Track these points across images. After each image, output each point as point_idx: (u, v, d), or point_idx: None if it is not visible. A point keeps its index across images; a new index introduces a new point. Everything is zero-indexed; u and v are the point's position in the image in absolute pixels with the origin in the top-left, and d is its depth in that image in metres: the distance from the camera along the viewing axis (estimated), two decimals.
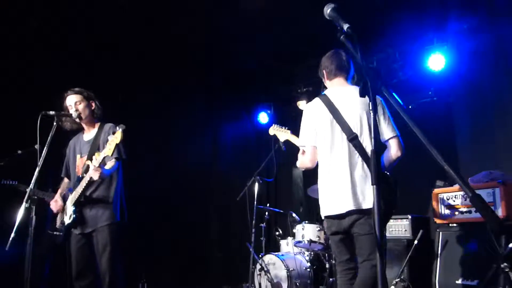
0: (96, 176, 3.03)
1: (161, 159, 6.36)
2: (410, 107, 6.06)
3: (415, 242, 3.56)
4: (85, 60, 5.42)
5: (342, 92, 2.82)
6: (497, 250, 2.89)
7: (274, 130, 3.73)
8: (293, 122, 7.47)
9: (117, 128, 2.98)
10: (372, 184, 1.61)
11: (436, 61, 5.40)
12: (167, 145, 6.57)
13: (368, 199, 2.56)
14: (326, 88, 3.04)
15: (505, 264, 2.79)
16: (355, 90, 2.83)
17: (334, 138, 2.75)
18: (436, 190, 3.59)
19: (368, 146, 2.62)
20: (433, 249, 3.42)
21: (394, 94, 1.58)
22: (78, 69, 5.22)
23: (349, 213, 2.61)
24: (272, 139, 3.94)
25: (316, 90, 6.68)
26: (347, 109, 2.74)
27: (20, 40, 4.96)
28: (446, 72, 5.41)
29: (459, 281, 3.17)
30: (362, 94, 1.61)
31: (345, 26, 1.78)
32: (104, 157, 3.01)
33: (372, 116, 1.63)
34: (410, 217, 3.89)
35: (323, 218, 2.82)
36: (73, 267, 3.27)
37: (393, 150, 2.72)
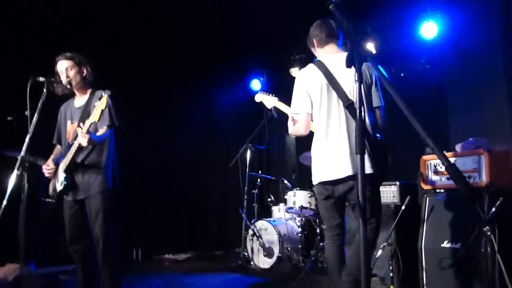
0: (84, 142, 3.01)
1: (157, 127, 6.38)
2: (402, 74, 6.08)
3: (403, 207, 3.64)
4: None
5: (336, 58, 2.78)
6: (479, 215, 2.97)
7: (260, 97, 3.74)
8: (285, 89, 7.48)
9: (103, 93, 2.98)
10: (356, 153, 1.64)
11: (429, 29, 5.39)
12: (163, 112, 6.58)
13: (366, 165, 2.55)
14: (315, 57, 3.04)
15: (487, 227, 2.88)
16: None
17: (331, 105, 2.74)
18: (424, 157, 3.64)
19: (363, 111, 2.63)
20: (419, 214, 3.50)
21: (379, 66, 1.60)
22: None
23: (346, 179, 2.63)
24: (264, 107, 3.95)
25: (309, 57, 6.63)
26: (342, 76, 2.72)
27: (20, 39, 4.96)
28: (439, 40, 5.40)
29: (444, 244, 3.26)
30: (348, 65, 1.63)
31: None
32: (91, 123, 3.02)
33: (357, 86, 1.64)
34: (398, 183, 3.95)
35: (315, 183, 2.82)
36: (67, 233, 3.31)
37: (377, 119, 2.80)
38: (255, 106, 4.61)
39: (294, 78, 6.96)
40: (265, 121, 5.34)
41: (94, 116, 2.98)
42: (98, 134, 3.18)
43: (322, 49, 2.94)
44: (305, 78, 2.85)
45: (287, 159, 7.23)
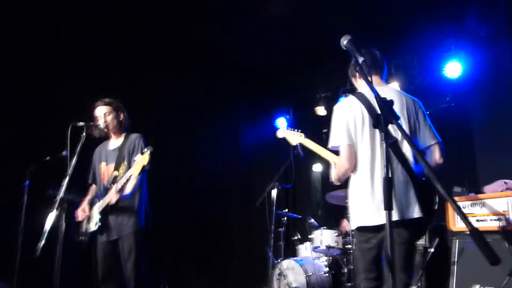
0: (113, 201, 3.24)
1: (182, 163, 6.51)
2: (428, 112, 6.10)
3: (432, 249, 3.62)
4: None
5: (380, 92, 2.48)
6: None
7: (283, 132, 3.51)
8: (310, 127, 7.59)
9: (146, 149, 3.12)
10: (385, 209, 1.66)
11: (453, 68, 5.48)
12: (189, 148, 6.73)
13: (409, 209, 2.38)
14: (353, 89, 2.87)
15: None
16: (393, 91, 2.69)
17: (374, 141, 2.52)
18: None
19: (407, 151, 2.47)
20: (449, 257, 3.47)
21: (401, 126, 1.66)
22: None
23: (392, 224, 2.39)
24: (290, 146, 3.89)
25: (334, 96, 6.77)
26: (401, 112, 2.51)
27: (46, 54, 5.15)
28: (463, 78, 5.48)
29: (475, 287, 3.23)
30: (375, 126, 1.68)
31: (360, 59, 1.87)
32: (129, 176, 3.19)
33: (385, 146, 1.68)
34: None
35: (354, 227, 2.55)
36: (99, 272, 3.41)
37: (436, 157, 2.60)
38: (280, 143, 4.71)
39: (319, 116, 7.09)
40: (292, 159, 5.38)
41: (135, 169, 3.12)
42: (126, 191, 3.32)
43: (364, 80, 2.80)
44: (345, 110, 2.61)
45: (313, 197, 7.24)
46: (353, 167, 2.57)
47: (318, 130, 7.54)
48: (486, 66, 5.25)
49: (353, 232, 2.70)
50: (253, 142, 7.66)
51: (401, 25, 5.45)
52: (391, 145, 2.42)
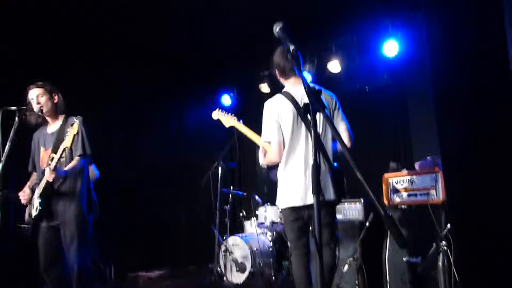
0: (50, 179, 3.15)
1: (125, 144, 6.41)
2: (367, 89, 6.34)
3: (367, 224, 3.84)
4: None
5: (302, 90, 2.87)
6: (437, 231, 3.19)
7: (218, 114, 3.64)
8: (256, 104, 7.63)
9: (75, 119, 3.09)
10: (313, 193, 1.78)
11: (391, 47, 5.66)
12: (132, 128, 6.61)
13: (327, 193, 2.80)
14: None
15: (444, 243, 3.10)
16: (316, 87, 2.91)
17: (299, 135, 2.88)
18: (386, 175, 3.85)
19: (327, 143, 2.89)
20: (383, 230, 3.70)
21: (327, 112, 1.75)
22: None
23: (312, 206, 2.75)
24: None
25: None
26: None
27: None
28: (400, 57, 5.69)
29: (406, 258, 3.48)
30: (304, 113, 1.78)
31: (291, 47, 1.92)
32: (64, 149, 3.12)
33: (313, 131, 1.79)
34: (362, 200, 4.16)
35: (282, 207, 2.95)
36: (42, 259, 3.34)
37: (345, 140, 2.96)
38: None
39: (264, 94, 7.15)
40: (235, 137, 5.42)
41: (66, 141, 3.10)
42: (68, 166, 3.25)
43: (286, 80, 3.06)
44: (274, 107, 2.94)
45: (258, 175, 7.37)
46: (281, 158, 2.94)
47: (263, 107, 7.64)
48: (422, 45, 5.48)
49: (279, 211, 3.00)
50: (198, 121, 7.63)
51: (341, 6, 5.56)
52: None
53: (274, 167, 5.21)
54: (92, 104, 5.32)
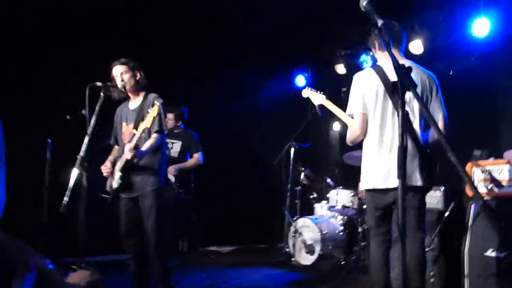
0: (129, 157, 3.30)
1: (201, 121, 6.57)
2: (451, 72, 5.95)
3: (447, 213, 3.63)
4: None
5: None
6: None
7: (308, 92, 3.63)
8: (330, 85, 7.48)
9: (156, 102, 3.19)
10: (398, 178, 1.69)
11: (481, 26, 5.22)
12: (210, 109, 6.77)
13: (413, 178, 2.65)
14: (372, 57, 3.01)
15: None
16: (410, 64, 2.76)
17: (386, 113, 2.74)
18: (470, 164, 3.59)
19: (415, 124, 2.73)
20: (464, 221, 3.47)
21: (418, 94, 1.63)
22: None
23: (395, 189, 2.62)
24: (309, 104, 3.92)
25: (355, 54, 6.61)
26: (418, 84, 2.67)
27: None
28: (491, 37, 5.23)
29: (488, 253, 3.24)
30: (392, 91, 1.68)
31: (379, 22, 1.82)
32: (144, 129, 3.25)
33: (400, 111, 1.69)
34: (443, 188, 3.91)
35: (365, 189, 2.84)
36: (122, 228, 3.56)
37: (440, 126, 2.80)
38: (300, 102, 4.68)
39: (339, 74, 6.98)
40: (310, 118, 5.36)
41: (146, 122, 3.22)
42: (144, 148, 3.39)
43: (383, 53, 2.89)
44: (361, 82, 2.84)
45: (331, 156, 7.25)
46: (364, 134, 2.83)
47: (338, 88, 7.44)
48: None
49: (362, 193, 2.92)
50: (273, 101, 7.63)
51: None
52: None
53: (349, 149, 5.12)
54: (169, 78, 5.50)
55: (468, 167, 3.60)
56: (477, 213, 3.44)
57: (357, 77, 2.88)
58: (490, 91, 5.45)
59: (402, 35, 2.88)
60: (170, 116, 5.13)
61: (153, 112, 3.18)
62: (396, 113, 2.68)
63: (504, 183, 3.31)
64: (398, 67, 1.66)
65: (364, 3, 1.93)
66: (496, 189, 3.35)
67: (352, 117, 2.89)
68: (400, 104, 1.68)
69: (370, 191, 2.80)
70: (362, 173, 2.85)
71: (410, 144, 2.63)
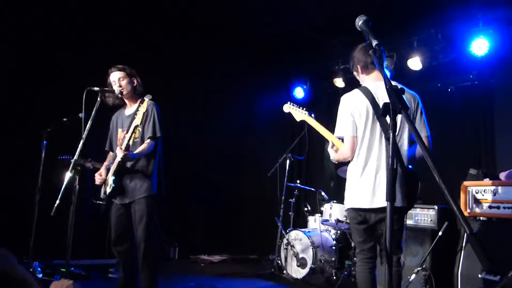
0: (120, 158, 3.26)
1: (196, 130, 6.55)
2: (449, 89, 5.96)
3: (440, 233, 3.60)
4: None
5: (383, 87, 2.65)
6: None
7: (289, 108, 3.50)
8: (328, 98, 7.48)
9: (145, 98, 3.19)
10: (387, 201, 1.66)
11: (480, 45, 5.24)
12: (202, 116, 6.75)
13: (398, 198, 2.64)
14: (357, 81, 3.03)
15: None
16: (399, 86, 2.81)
17: (374, 135, 2.76)
18: (465, 183, 3.58)
19: (403, 145, 2.76)
20: (457, 241, 3.45)
21: (409, 116, 1.62)
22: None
23: (380, 209, 2.66)
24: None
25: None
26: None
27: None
28: (489, 56, 5.25)
29: (482, 275, 3.22)
30: (383, 114, 1.66)
31: (374, 43, 1.81)
32: (135, 126, 3.23)
33: (391, 135, 1.67)
34: (436, 207, 3.90)
35: (347, 207, 2.85)
36: (112, 234, 3.50)
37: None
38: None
39: (338, 88, 6.99)
40: (306, 131, 5.35)
41: (137, 119, 3.20)
42: (137, 150, 3.36)
43: (367, 75, 2.92)
44: (350, 102, 2.83)
45: (326, 169, 7.23)
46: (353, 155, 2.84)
47: (336, 101, 7.45)
48: None
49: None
50: (270, 112, 7.61)
51: None
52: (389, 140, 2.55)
53: (343, 164, 5.11)
54: (163, 87, 5.48)
55: (463, 186, 3.59)
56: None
57: (345, 99, 2.88)
58: (487, 110, 5.46)
59: (383, 55, 2.86)
60: None
61: (142, 108, 3.17)
62: (383, 135, 2.70)
63: (499, 204, 3.30)
64: (391, 90, 1.64)
65: (360, 23, 1.92)
66: (490, 210, 3.34)
67: (341, 139, 2.90)
68: (390, 126, 1.65)
69: (354, 209, 2.80)
70: (347, 192, 2.85)
71: (398, 168, 2.63)
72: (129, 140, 3.31)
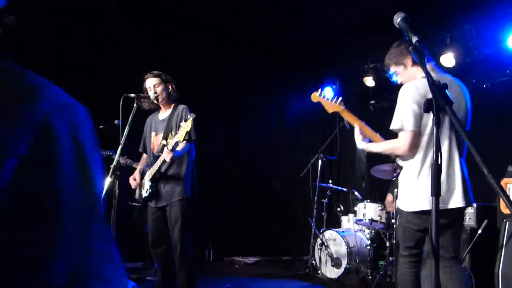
0: (168, 158, 3.32)
1: (228, 131, 6.63)
2: (485, 86, 5.83)
3: (479, 231, 3.53)
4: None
5: (444, 80, 2.17)
6: None
7: (319, 97, 3.17)
8: (358, 98, 7.43)
9: (189, 116, 3.23)
10: (432, 195, 1.65)
11: None
12: (235, 117, 6.82)
13: (456, 197, 2.49)
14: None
15: None
16: (454, 80, 2.69)
17: (443, 127, 2.53)
18: (505, 179, 3.50)
19: (461, 142, 2.60)
20: (497, 239, 3.38)
21: (454, 112, 1.60)
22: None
23: (453, 210, 2.49)
24: (337, 117, 3.71)
25: (383, 67, 6.54)
26: (455, 101, 2.40)
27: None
28: None
29: None
30: (426, 110, 1.64)
31: (414, 39, 1.80)
32: (176, 142, 3.29)
33: (435, 131, 1.65)
34: (475, 205, 3.82)
35: (409, 210, 2.57)
36: (150, 236, 3.61)
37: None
38: (327, 114, 4.63)
39: (368, 87, 6.93)
40: (337, 131, 5.34)
41: (180, 135, 3.23)
42: (178, 149, 3.43)
43: (418, 67, 2.68)
44: (419, 91, 2.50)
45: (357, 169, 7.18)
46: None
47: (366, 101, 7.39)
48: None
49: (396, 209, 2.73)
50: (300, 113, 7.62)
51: None
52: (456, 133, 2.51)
53: (376, 163, 5.06)
54: (197, 89, 5.59)
55: (502, 183, 3.51)
56: None
57: (413, 86, 2.54)
58: None
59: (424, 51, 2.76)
60: None
61: (186, 127, 3.20)
62: (453, 130, 2.54)
63: None
64: (432, 85, 1.63)
65: (398, 20, 1.91)
66: None
67: (395, 132, 2.61)
68: (434, 122, 1.64)
69: (416, 213, 2.53)
70: (406, 193, 2.60)
71: (459, 165, 2.54)
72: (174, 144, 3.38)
